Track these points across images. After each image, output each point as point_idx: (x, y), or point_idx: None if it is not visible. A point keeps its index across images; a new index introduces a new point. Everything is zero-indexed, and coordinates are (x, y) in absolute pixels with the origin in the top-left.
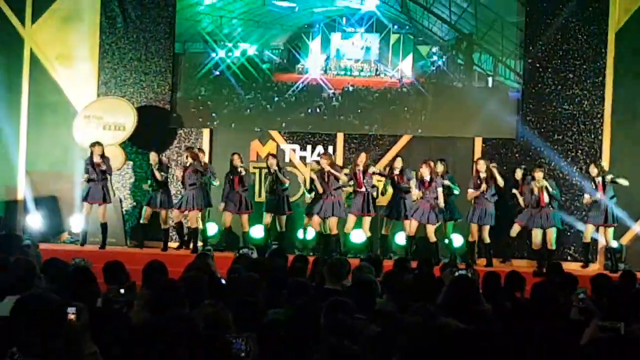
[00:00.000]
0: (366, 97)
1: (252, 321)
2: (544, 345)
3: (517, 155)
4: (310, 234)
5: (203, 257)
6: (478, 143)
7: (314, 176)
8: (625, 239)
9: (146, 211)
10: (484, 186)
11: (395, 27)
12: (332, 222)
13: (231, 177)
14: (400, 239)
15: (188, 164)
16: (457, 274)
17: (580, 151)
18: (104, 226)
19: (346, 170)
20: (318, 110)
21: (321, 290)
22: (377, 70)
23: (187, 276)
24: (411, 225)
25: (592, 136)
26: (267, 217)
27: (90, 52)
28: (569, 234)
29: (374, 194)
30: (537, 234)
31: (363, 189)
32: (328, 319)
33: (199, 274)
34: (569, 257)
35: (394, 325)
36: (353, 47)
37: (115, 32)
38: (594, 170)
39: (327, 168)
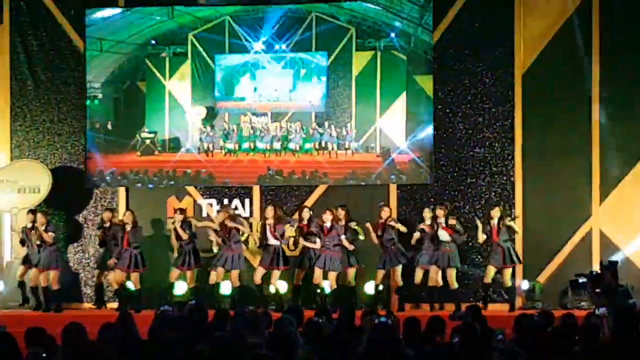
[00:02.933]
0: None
1: None
2: None
3: (432, 199)
4: (225, 288)
5: (124, 315)
6: (393, 189)
7: (213, 230)
8: (541, 278)
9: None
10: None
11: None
12: (234, 275)
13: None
14: (327, 288)
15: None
16: (377, 321)
17: (493, 193)
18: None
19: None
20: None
21: (242, 344)
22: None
23: (106, 336)
24: (315, 273)
25: (505, 178)
26: (175, 272)
27: (1, 115)
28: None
29: (285, 246)
30: (435, 272)
31: (273, 242)
32: None
33: (118, 333)
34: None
35: None
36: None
37: (26, 94)
38: (497, 213)
39: (228, 222)
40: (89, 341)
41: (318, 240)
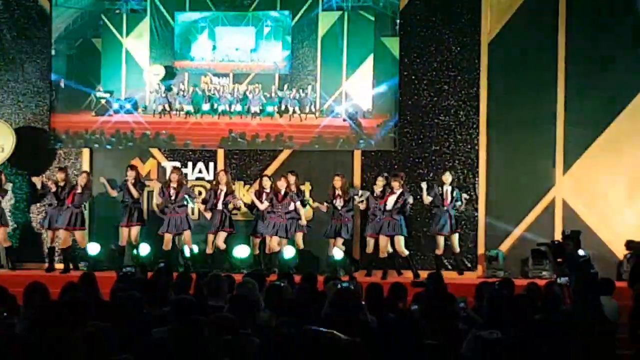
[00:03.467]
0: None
1: (136, 340)
2: (432, 356)
3: (395, 166)
4: (186, 251)
5: (86, 276)
6: (357, 155)
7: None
8: (504, 247)
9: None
10: (339, 201)
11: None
12: (187, 236)
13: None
14: (288, 253)
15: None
16: (339, 286)
17: (457, 161)
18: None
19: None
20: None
21: (204, 307)
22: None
23: (69, 297)
24: (271, 242)
25: (469, 146)
26: (124, 231)
27: None
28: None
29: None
30: (383, 241)
31: (219, 208)
32: (212, 335)
33: (82, 294)
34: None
35: (273, 339)
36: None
37: None
38: (448, 179)
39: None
40: (52, 301)
41: (265, 203)
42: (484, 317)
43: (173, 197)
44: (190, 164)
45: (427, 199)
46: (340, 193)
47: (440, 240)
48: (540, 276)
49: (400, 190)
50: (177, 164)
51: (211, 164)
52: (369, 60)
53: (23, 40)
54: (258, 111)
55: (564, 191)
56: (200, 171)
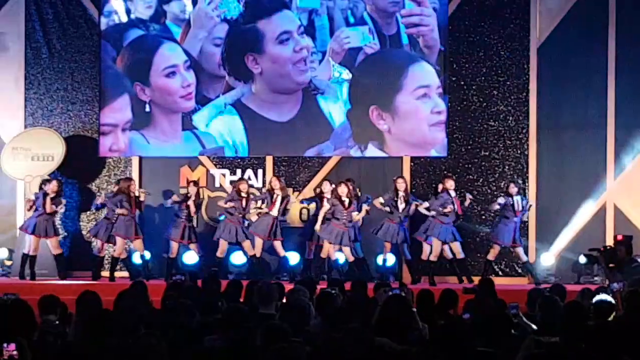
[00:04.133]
0: None
1: (188, 348)
2: None
3: (445, 172)
4: (237, 258)
5: (137, 285)
6: (406, 161)
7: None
8: (555, 252)
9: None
10: (400, 204)
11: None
12: (252, 244)
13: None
14: (340, 259)
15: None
16: (390, 293)
17: (507, 167)
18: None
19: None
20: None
21: (255, 314)
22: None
23: (122, 305)
24: (325, 247)
25: (519, 152)
26: (175, 246)
27: (16, 84)
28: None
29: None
30: (437, 246)
31: (274, 214)
32: (264, 344)
33: (134, 302)
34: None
35: (326, 347)
36: None
37: (41, 62)
38: (513, 189)
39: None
40: (104, 310)
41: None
42: (537, 323)
43: (243, 207)
44: (239, 171)
45: (495, 207)
46: (404, 195)
47: (496, 248)
48: (592, 282)
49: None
50: (226, 172)
51: (260, 171)
52: None
53: (72, 50)
54: None
55: (616, 195)
56: (249, 178)
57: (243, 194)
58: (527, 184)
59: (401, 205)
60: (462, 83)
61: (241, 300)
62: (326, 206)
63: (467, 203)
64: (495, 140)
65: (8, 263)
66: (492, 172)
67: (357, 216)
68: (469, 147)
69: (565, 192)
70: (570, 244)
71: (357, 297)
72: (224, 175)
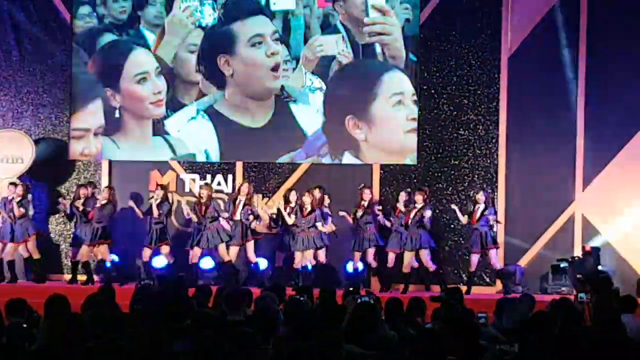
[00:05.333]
0: None
1: (156, 353)
2: None
3: (415, 181)
4: (206, 264)
5: (105, 289)
6: (376, 169)
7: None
8: (522, 262)
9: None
10: (359, 212)
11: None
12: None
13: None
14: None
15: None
16: (359, 300)
17: (476, 176)
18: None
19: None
20: None
21: (223, 321)
22: None
23: (90, 309)
24: (296, 258)
25: (488, 161)
26: (146, 251)
27: None
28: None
29: (251, 224)
30: (408, 257)
31: (237, 218)
32: (232, 350)
33: (102, 306)
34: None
35: (295, 353)
36: None
37: (11, 65)
38: (481, 198)
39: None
40: (72, 313)
41: (293, 217)
42: (505, 333)
43: (203, 213)
44: (209, 176)
45: (464, 219)
46: (365, 205)
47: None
48: (559, 292)
49: (422, 204)
50: (196, 177)
51: (230, 177)
52: None
53: (43, 52)
54: None
55: (584, 206)
56: (219, 183)
57: (202, 200)
58: (496, 194)
59: (358, 213)
60: (433, 91)
61: (210, 306)
62: (291, 219)
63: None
64: (465, 149)
65: None
66: (462, 180)
67: (323, 228)
68: (439, 155)
69: (534, 202)
70: (538, 254)
71: (325, 303)
72: (193, 180)
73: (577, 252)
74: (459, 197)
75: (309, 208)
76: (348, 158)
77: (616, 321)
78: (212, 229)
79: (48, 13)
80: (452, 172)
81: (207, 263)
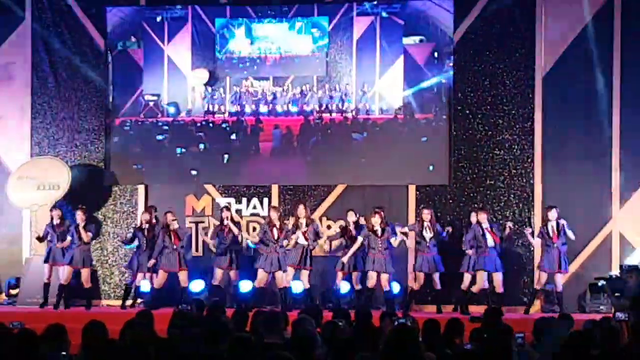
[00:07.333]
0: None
1: None
2: None
3: (450, 201)
4: (244, 287)
5: (143, 314)
6: (412, 190)
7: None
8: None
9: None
10: (428, 233)
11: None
12: (278, 275)
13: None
14: (344, 289)
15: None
16: (396, 322)
17: (512, 195)
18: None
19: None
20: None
21: (261, 344)
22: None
23: (129, 335)
24: (370, 276)
25: (524, 180)
26: (219, 272)
27: (22, 113)
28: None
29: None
30: (481, 277)
31: (302, 242)
32: None
33: (141, 332)
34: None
35: None
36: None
37: (47, 92)
38: (553, 215)
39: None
40: (110, 339)
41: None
42: (543, 352)
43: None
44: (244, 199)
45: (534, 240)
46: (429, 225)
47: (543, 275)
48: (597, 311)
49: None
50: (232, 200)
51: (265, 200)
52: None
53: (79, 79)
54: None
55: (621, 224)
56: (254, 207)
57: (225, 222)
58: (532, 213)
59: (428, 235)
60: (468, 112)
61: (247, 329)
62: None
63: (507, 232)
64: (500, 169)
65: (14, 292)
66: (497, 200)
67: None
68: (475, 175)
69: (571, 221)
70: (576, 272)
71: (363, 326)
72: (229, 203)
73: (615, 271)
74: (495, 217)
75: (379, 229)
76: None
77: None
78: (279, 254)
79: (83, 39)
80: (488, 192)
81: (197, 286)
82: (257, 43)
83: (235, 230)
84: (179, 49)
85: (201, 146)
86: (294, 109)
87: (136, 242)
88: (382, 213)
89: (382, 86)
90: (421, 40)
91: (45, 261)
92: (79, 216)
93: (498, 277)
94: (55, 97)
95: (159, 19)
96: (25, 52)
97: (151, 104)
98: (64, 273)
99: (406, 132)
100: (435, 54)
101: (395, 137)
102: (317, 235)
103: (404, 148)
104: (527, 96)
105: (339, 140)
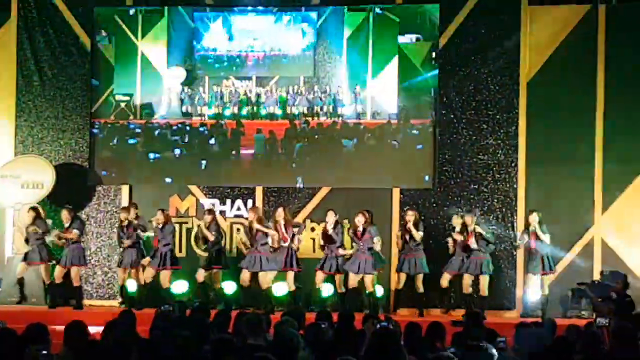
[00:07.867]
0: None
1: None
2: None
3: (434, 205)
4: (229, 288)
5: (126, 315)
6: (396, 193)
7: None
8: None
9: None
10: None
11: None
12: (262, 276)
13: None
14: (325, 291)
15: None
16: (378, 325)
17: (496, 200)
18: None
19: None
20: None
21: (244, 346)
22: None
23: (112, 334)
24: (351, 279)
25: (508, 185)
26: (201, 273)
27: (7, 112)
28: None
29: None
30: (467, 279)
31: (286, 243)
32: None
33: (123, 332)
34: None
35: None
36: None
37: (32, 90)
38: (534, 218)
39: (255, 224)
40: (91, 339)
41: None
42: (525, 356)
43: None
44: (228, 201)
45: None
46: (411, 227)
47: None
48: (579, 316)
49: (479, 230)
50: (216, 201)
51: (250, 201)
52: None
53: (64, 78)
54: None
55: (603, 230)
56: (238, 208)
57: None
58: (515, 217)
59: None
60: (452, 116)
61: (229, 331)
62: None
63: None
64: (484, 173)
65: None
66: (481, 205)
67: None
68: (458, 179)
69: (554, 226)
70: (557, 278)
71: (345, 329)
72: (213, 204)
73: (597, 276)
74: (478, 221)
75: (361, 229)
76: None
77: (635, 345)
78: (263, 253)
79: (68, 38)
80: (472, 196)
81: (179, 287)
82: (237, 39)
83: (210, 236)
84: (154, 45)
85: (177, 151)
86: (279, 111)
87: (150, 233)
88: (366, 214)
89: (375, 88)
90: (417, 39)
91: (24, 259)
92: (64, 215)
93: (484, 280)
94: (40, 95)
95: (132, 11)
96: (9, 50)
97: (122, 104)
98: (55, 273)
99: (400, 138)
100: (433, 54)
101: (387, 144)
102: (292, 239)
103: (397, 155)
104: (511, 101)
105: (328, 147)
